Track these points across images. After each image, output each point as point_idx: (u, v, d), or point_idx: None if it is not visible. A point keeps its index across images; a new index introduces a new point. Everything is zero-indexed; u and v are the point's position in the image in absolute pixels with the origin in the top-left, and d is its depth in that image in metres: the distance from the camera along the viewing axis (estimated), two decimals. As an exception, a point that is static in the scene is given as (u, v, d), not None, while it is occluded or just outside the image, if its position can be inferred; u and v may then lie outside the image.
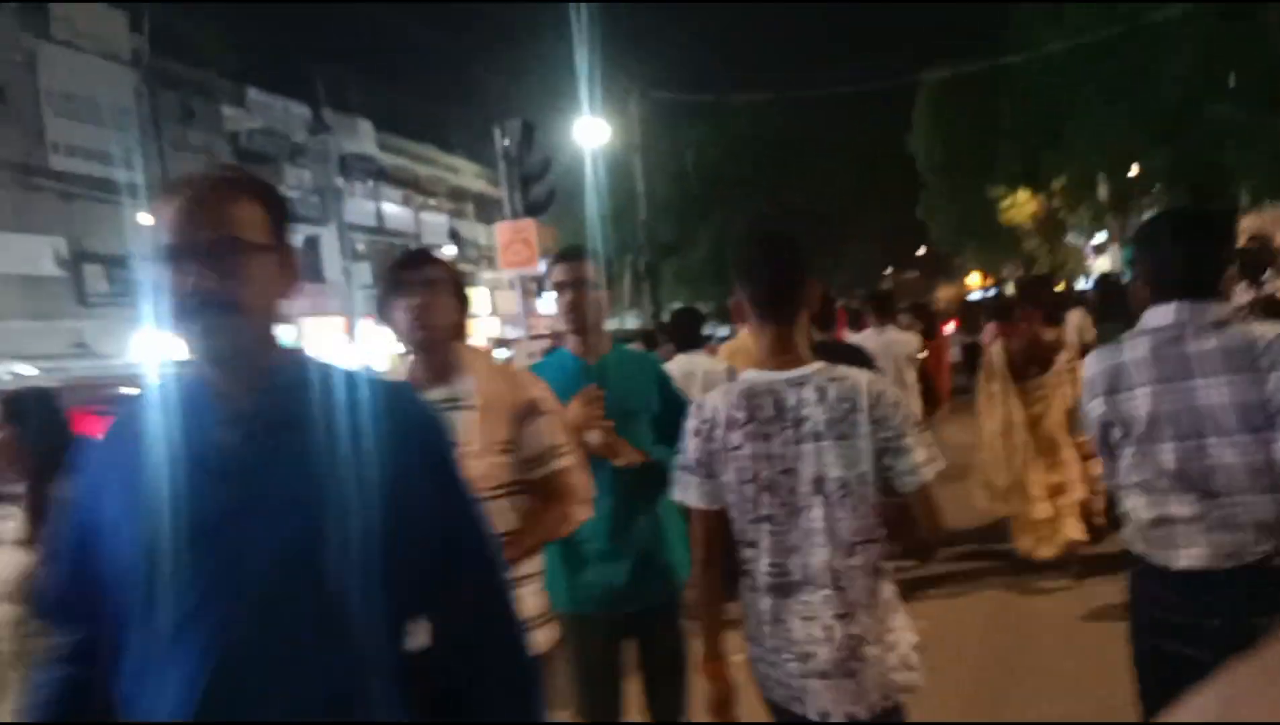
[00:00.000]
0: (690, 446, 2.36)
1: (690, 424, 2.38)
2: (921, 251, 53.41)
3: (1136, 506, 2.33)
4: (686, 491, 2.38)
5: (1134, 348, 2.30)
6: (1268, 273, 6.02)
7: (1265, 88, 22.20)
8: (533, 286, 39.26)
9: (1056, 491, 5.89)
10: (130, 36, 21.59)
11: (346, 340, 29.25)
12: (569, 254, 3.12)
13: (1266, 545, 2.16)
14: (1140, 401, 2.26)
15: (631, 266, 22.36)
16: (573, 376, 3.05)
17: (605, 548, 2.98)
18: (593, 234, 24.47)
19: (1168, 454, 2.23)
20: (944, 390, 12.60)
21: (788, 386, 2.26)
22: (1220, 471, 2.18)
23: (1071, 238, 30.68)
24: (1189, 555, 2.22)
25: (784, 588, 2.24)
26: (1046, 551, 5.86)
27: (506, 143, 10.28)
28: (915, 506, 2.24)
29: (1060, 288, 13.00)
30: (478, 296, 34.89)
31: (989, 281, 39.32)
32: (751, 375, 2.33)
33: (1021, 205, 31.71)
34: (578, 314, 3.06)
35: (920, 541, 2.32)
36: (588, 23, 20.60)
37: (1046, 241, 31.99)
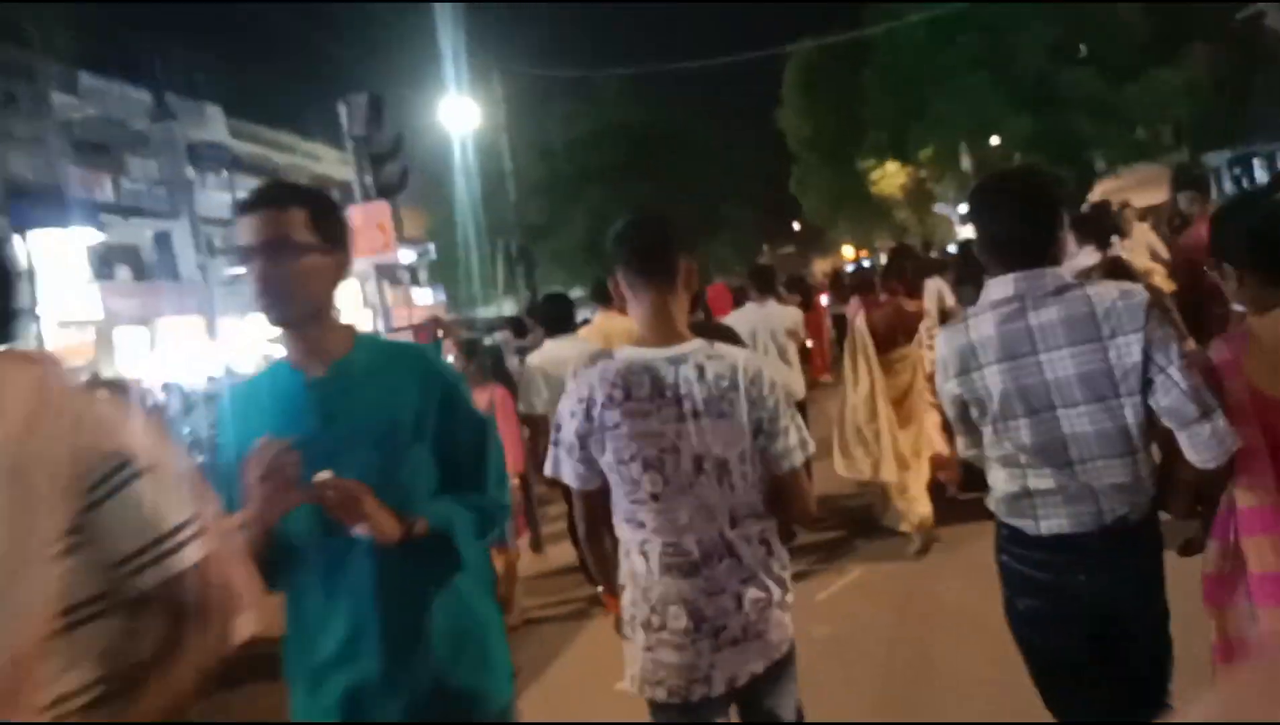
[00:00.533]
0: (567, 425, 2.28)
1: (566, 403, 2.28)
2: (796, 227, 54.00)
3: (997, 480, 2.35)
4: (562, 470, 2.31)
5: (979, 325, 2.28)
6: (1114, 237, 6.17)
7: (1115, 58, 22.93)
8: (404, 275, 37.85)
9: (918, 459, 5.99)
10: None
11: (206, 341, 27.66)
12: (255, 200, 1.94)
13: (1124, 507, 2.20)
14: (992, 379, 2.25)
15: (504, 250, 21.60)
16: (289, 401, 1.94)
17: (369, 674, 1.89)
18: (463, 216, 23.76)
19: (1023, 429, 2.23)
20: (824, 360, 12.65)
21: (667, 364, 2.22)
22: (1075, 441, 2.20)
23: (940, 207, 31.25)
24: (1049, 524, 2.24)
25: (685, 567, 2.20)
26: (921, 522, 5.87)
27: (353, 121, 9.52)
28: (786, 489, 2.28)
29: (934, 255, 13.04)
30: (346, 289, 33.40)
31: (863, 253, 39.89)
32: (629, 352, 2.27)
33: (891, 177, 32.18)
34: (272, 296, 1.88)
35: (790, 522, 2.34)
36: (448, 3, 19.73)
37: (916, 212, 32.56)
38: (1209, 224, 2.44)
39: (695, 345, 2.26)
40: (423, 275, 39.05)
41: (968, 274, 6.53)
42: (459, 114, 21.19)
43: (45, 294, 22.29)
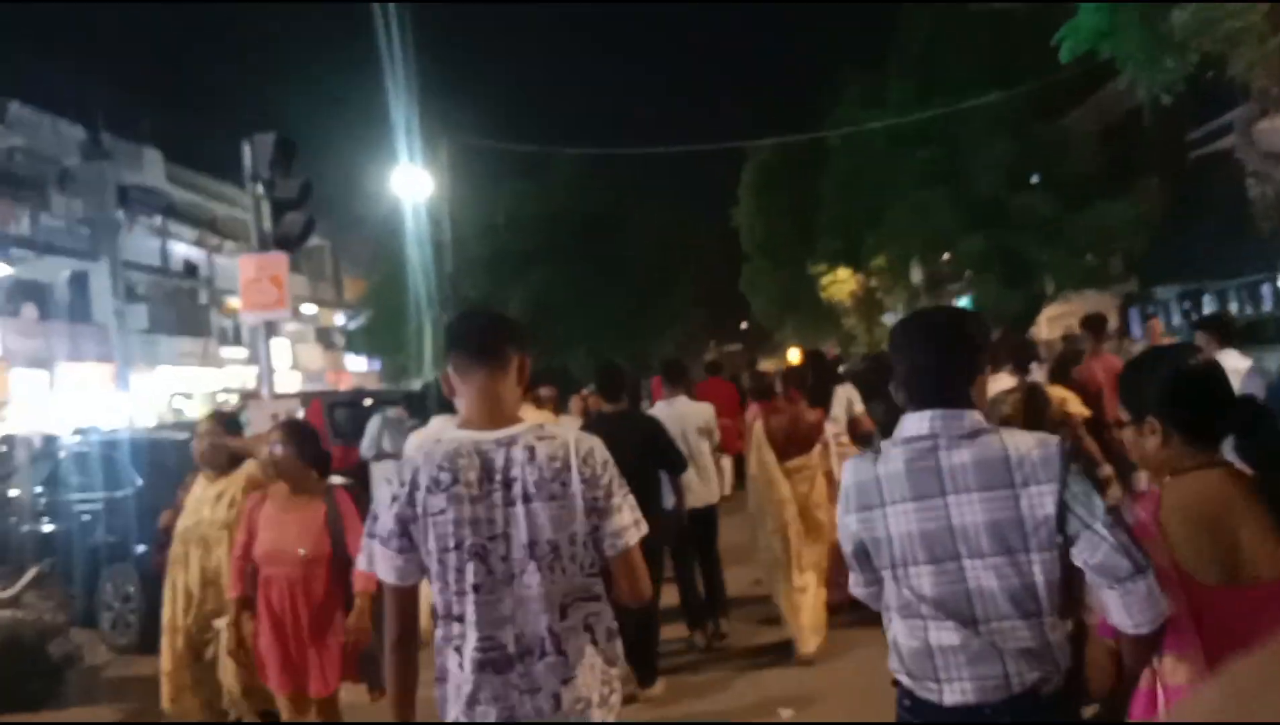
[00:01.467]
0: (385, 514, 2.18)
1: (387, 489, 2.20)
2: (745, 326, 53.78)
3: (898, 633, 2.20)
4: (378, 564, 2.20)
5: (888, 460, 2.18)
6: (1033, 365, 6.44)
7: (1067, 186, 22.98)
8: (339, 337, 36.59)
9: (820, 567, 6.01)
10: None
11: (113, 390, 26.09)
12: None
13: (1034, 674, 2.05)
14: (894, 520, 2.15)
15: (434, 323, 20.61)
16: None
17: None
18: (398, 286, 22.71)
19: (925, 578, 2.11)
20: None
21: (496, 446, 2.20)
22: (979, 596, 2.07)
23: (889, 317, 30.98)
24: (954, 690, 2.08)
25: (498, 662, 2.13)
26: (813, 643, 5.84)
27: (257, 162, 8.54)
28: (618, 571, 2.26)
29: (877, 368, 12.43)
30: (277, 348, 32.14)
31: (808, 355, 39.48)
32: (456, 434, 2.25)
33: (841, 283, 31.89)
34: None
35: (622, 603, 2.32)
36: (402, 69, 19.13)
37: (864, 320, 32.23)
38: (1120, 378, 2.35)
39: (525, 427, 2.24)
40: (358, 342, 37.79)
41: (875, 389, 6.73)
42: (404, 182, 20.42)
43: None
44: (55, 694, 5.98)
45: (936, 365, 2.21)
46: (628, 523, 2.23)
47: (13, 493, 8.95)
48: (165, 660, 4.51)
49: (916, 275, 27.83)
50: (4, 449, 12.86)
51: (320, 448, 4.34)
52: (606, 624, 2.27)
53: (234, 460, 4.55)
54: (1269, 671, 0.64)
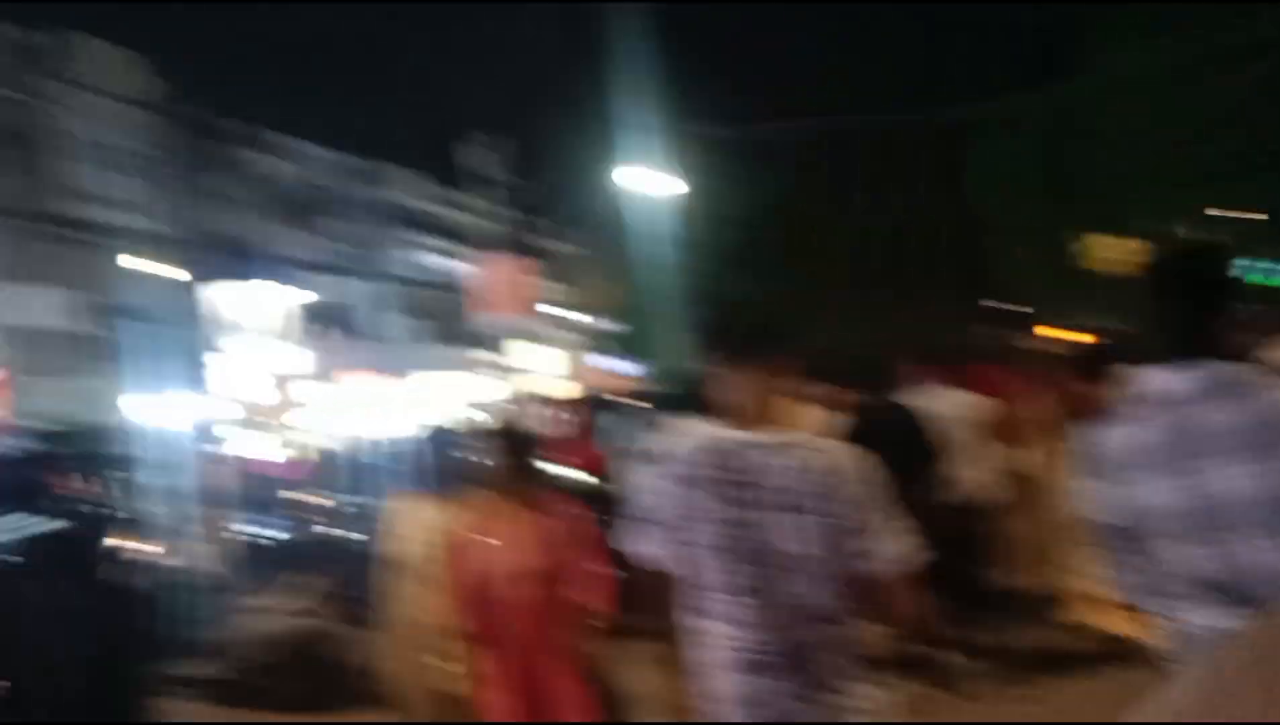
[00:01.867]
0: (660, 503, 2.23)
1: (657, 479, 2.27)
2: (996, 303, 50.98)
3: (1155, 617, 1.99)
4: (651, 545, 2.24)
5: (1140, 422, 1.94)
6: None
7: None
8: (604, 341, 37.16)
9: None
10: (155, 82, 21.17)
11: (404, 400, 28.09)
12: None
13: None
14: (1148, 490, 1.89)
15: (688, 324, 20.88)
16: None
17: None
18: (649, 286, 23.16)
19: (1187, 556, 1.84)
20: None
21: (766, 451, 2.17)
22: (1254, 578, 1.76)
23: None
24: None
25: (762, 666, 2.13)
26: (1106, 643, 5.26)
27: (500, 165, 8.95)
28: (882, 594, 2.20)
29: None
30: (550, 357, 33.21)
31: (1079, 333, 36.84)
32: (728, 434, 2.23)
33: (1102, 250, 29.56)
34: None
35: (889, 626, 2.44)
36: (644, 63, 19.42)
37: (1128, 290, 29.64)
38: None
39: (791, 436, 2.21)
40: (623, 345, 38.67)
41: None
42: (650, 182, 20.66)
43: (250, 346, 23.37)
44: (350, 699, 6.17)
45: (1190, 311, 1.96)
46: (892, 546, 2.15)
47: (321, 501, 9.87)
48: (390, 684, 4.48)
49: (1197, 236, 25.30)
50: (316, 460, 14.28)
51: (536, 453, 3.84)
52: (858, 648, 2.25)
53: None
54: (1247, 659, 0.61)
